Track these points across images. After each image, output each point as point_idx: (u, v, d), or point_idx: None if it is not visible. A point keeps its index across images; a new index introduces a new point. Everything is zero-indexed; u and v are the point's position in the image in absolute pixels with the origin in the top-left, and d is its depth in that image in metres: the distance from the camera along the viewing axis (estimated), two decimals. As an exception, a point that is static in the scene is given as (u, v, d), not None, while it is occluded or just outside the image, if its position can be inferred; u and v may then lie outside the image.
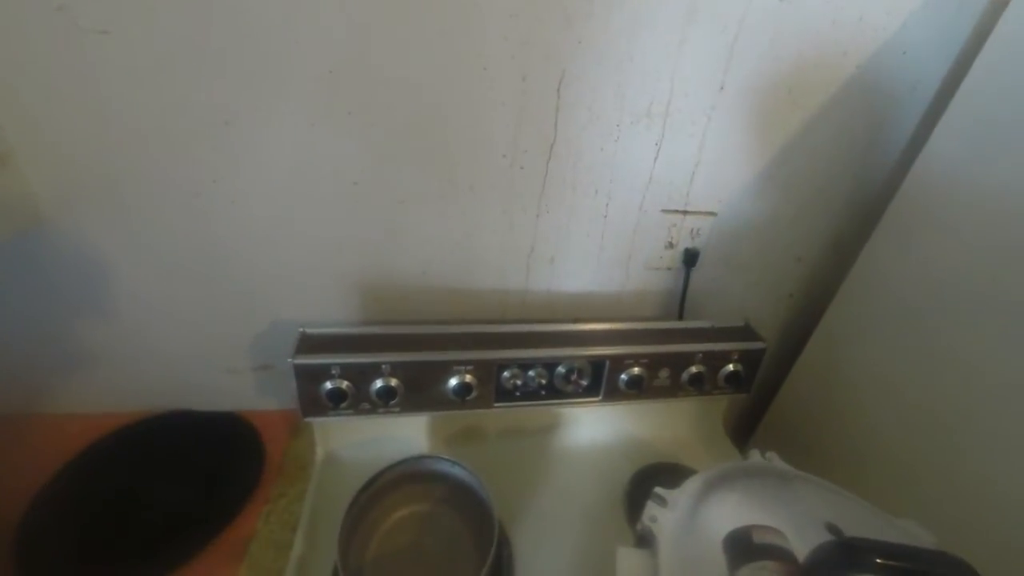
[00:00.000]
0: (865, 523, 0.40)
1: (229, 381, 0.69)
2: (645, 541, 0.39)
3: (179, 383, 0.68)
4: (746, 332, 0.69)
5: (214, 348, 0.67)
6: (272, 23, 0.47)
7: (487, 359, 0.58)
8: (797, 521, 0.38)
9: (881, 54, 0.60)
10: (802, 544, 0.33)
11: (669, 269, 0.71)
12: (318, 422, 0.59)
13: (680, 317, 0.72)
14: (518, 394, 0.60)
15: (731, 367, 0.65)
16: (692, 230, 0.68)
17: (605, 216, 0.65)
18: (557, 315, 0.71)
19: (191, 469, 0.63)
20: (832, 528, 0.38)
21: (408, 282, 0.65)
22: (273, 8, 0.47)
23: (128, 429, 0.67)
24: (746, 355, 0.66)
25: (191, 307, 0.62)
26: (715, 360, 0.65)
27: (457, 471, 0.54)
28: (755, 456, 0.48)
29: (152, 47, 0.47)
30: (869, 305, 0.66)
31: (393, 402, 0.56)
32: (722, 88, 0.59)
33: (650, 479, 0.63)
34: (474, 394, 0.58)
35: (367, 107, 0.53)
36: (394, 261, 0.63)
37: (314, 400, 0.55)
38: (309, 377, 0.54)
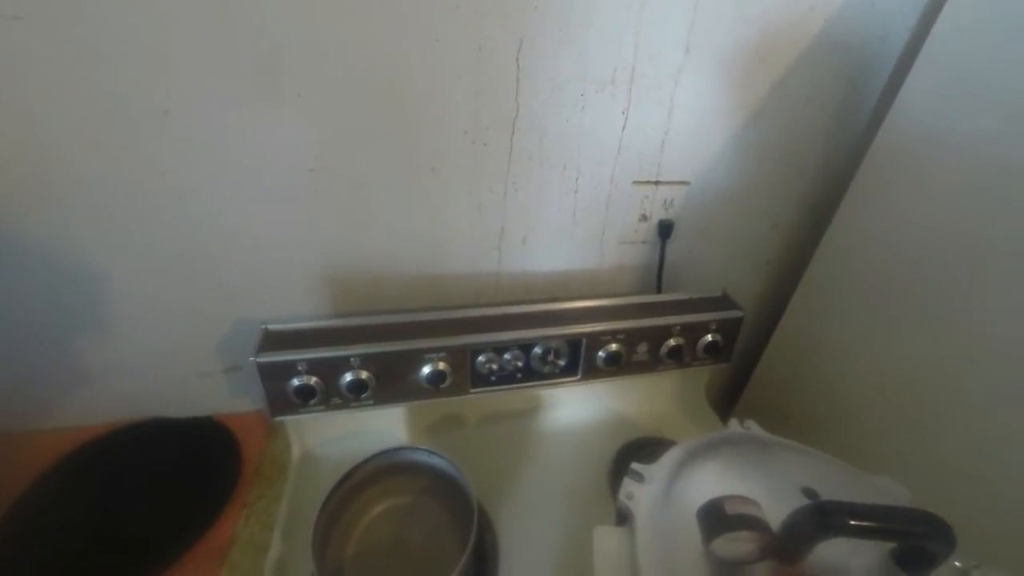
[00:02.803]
0: (842, 484, 0.39)
1: (201, 385, 0.67)
2: (623, 519, 0.38)
3: (150, 391, 0.66)
4: (724, 301, 0.68)
5: (181, 353, 0.64)
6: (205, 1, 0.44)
7: (460, 345, 0.56)
8: (775, 488, 0.37)
9: (849, 7, 0.59)
10: (781, 510, 0.32)
11: (644, 242, 0.69)
12: (290, 420, 0.57)
13: (658, 290, 0.71)
14: (494, 379, 0.58)
15: (709, 337, 0.64)
16: (665, 201, 0.66)
17: (575, 191, 0.63)
18: (533, 296, 0.70)
19: (167, 477, 0.62)
20: (809, 492, 0.37)
21: (376, 271, 0.63)
22: None
23: (99, 441, 0.64)
24: (724, 324, 0.65)
25: (153, 311, 0.60)
26: (693, 331, 0.64)
27: (435, 461, 0.53)
28: (734, 425, 0.47)
29: (71, 33, 0.43)
30: (846, 267, 0.65)
31: (365, 395, 0.54)
32: (687, 50, 0.57)
33: (634, 455, 0.63)
34: (449, 381, 0.56)
35: (316, 88, 0.50)
36: (359, 250, 0.61)
37: (282, 398, 0.53)
38: (275, 375, 0.52)
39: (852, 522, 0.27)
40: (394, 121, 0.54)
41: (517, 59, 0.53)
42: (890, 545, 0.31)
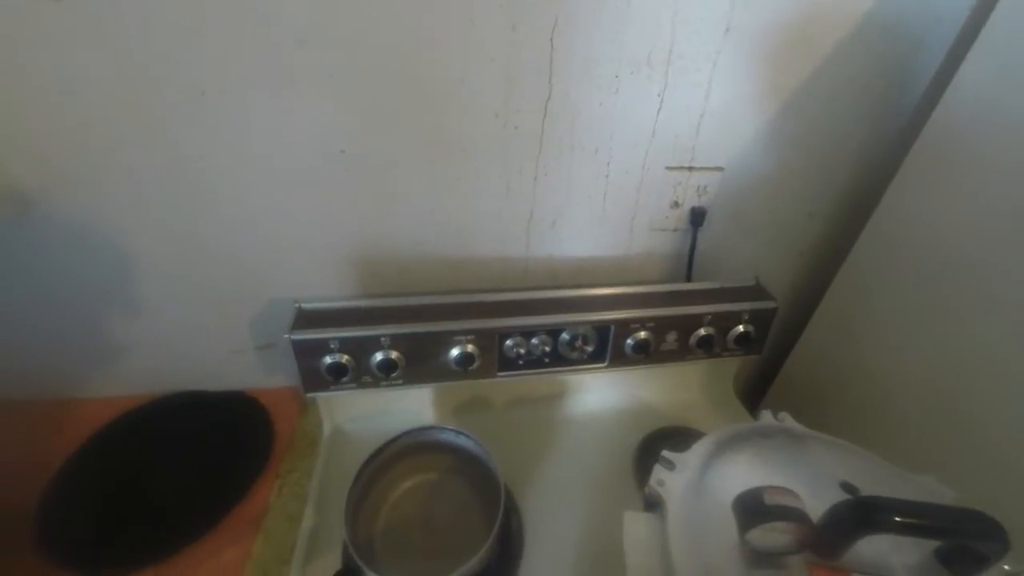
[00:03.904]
0: (883, 481, 0.38)
1: (234, 361, 0.69)
2: (653, 505, 0.38)
3: (187, 366, 0.69)
4: (756, 291, 0.66)
5: (216, 330, 0.66)
6: None
7: (488, 328, 0.56)
8: (811, 481, 0.36)
9: (902, -14, 0.55)
10: (817, 505, 0.31)
11: (675, 230, 0.68)
12: (322, 397, 0.59)
13: (688, 279, 0.69)
14: (521, 363, 0.59)
15: (741, 328, 0.63)
16: (698, 187, 0.65)
17: (606, 176, 0.62)
18: (560, 282, 0.69)
19: (203, 447, 0.64)
20: (848, 487, 0.36)
21: (404, 253, 0.63)
22: None
23: (139, 410, 0.68)
24: (756, 315, 0.63)
25: (188, 290, 0.62)
26: (724, 321, 0.63)
27: (463, 441, 0.54)
28: (766, 417, 0.46)
29: (110, 14, 0.44)
30: (890, 255, 0.63)
31: (395, 374, 0.55)
32: (728, 30, 0.55)
33: (660, 444, 0.62)
34: (476, 364, 0.57)
35: (348, 69, 0.50)
36: (389, 232, 0.62)
37: (315, 375, 0.54)
38: (308, 352, 0.53)
39: (897, 519, 0.27)
40: (425, 103, 0.53)
41: (551, 39, 0.52)
42: (934, 544, 0.30)
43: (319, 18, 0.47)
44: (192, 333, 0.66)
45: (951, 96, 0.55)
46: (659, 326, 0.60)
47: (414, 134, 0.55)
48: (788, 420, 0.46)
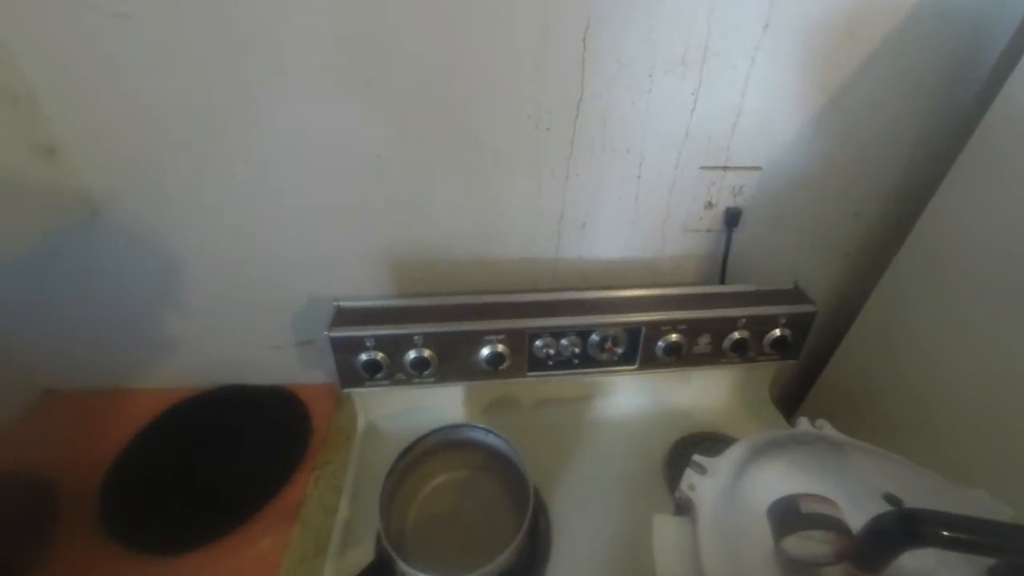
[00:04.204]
0: (930, 494, 0.36)
1: (275, 357, 0.73)
2: (683, 509, 0.38)
3: (233, 360, 0.72)
4: (795, 295, 0.64)
5: (259, 326, 0.70)
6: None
7: (518, 328, 0.57)
8: (851, 491, 0.35)
9: (960, -31, 0.52)
10: (858, 515, 0.30)
11: (709, 231, 0.67)
12: (356, 393, 0.61)
13: (722, 281, 0.68)
14: (551, 363, 0.59)
15: (778, 332, 0.61)
16: (734, 187, 0.63)
17: (639, 176, 0.62)
18: (590, 283, 0.69)
19: (245, 438, 0.68)
20: (891, 498, 0.35)
21: (436, 254, 0.65)
22: None
23: (189, 402, 0.72)
24: (794, 319, 0.61)
25: (236, 287, 0.65)
26: (760, 325, 0.61)
27: (492, 439, 0.54)
28: (804, 424, 0.45)
29: (171, 28, 0.47)
30: (940, 259, 0.59)
31: (427, 372, 0.57)
32: (767, 26, 0.53)
33: (691, 449, 0.61)
34: (507, 364, 0.57)
35: (386, 75, 0.52)
36: (422, 233, 0.63)
37: (351, 371, 0.56)
38: (345, 349, 0.55)
39: (947, 533, 0.25)
40: (458, 106, 0.54)
41: (584, 40, 0.52)
42: (988, 562, 0.28)
43: (358, 27, 0.49)
44: (237, 329, 0.69)
45: (1012, 88, 0.51)
46: (691, 329, 0.59)
47: (447, 136, 0.56)
48: (827, 427, 0.44)
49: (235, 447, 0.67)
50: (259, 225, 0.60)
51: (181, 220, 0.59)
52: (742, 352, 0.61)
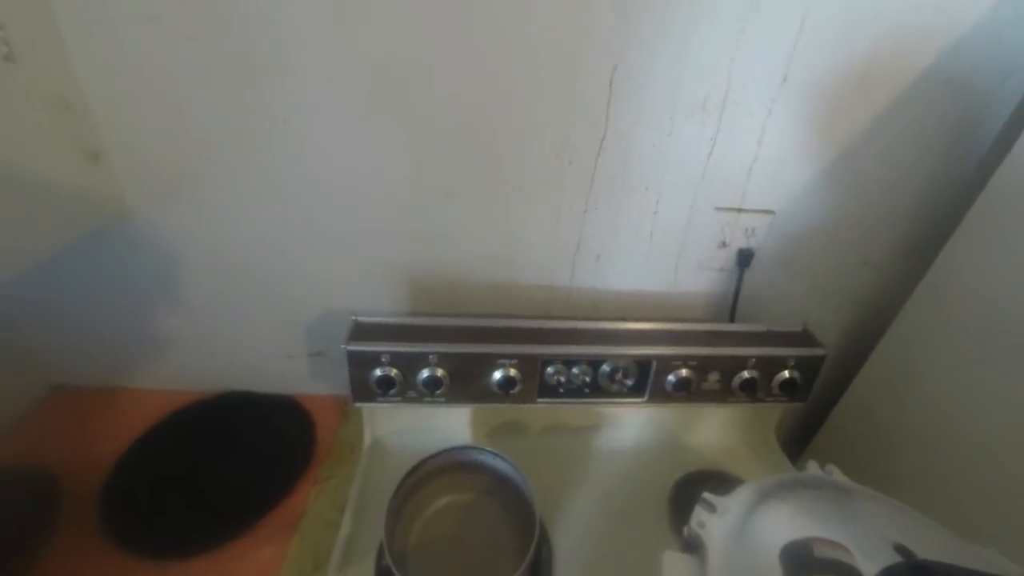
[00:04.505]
0: (940, 547, 0.36)
1: (286, 366, 0.73)
2: (692, 547, 0.38)
3: (242, 366, 0.73)
4: (804, 337, 0.65)
5: (273, 334, 0.71)
6: (327, 22, 0.49)
7: (531, 354, 0.58)
8: (861, 539, 0.35)
9: (967, 41, 0.55)
10: (868, 564, 0.30)
11: (721, 270, 0.68)
12: (367, 408, 0.61)
13: (732, 319, 0.69)
14: (561, 391, 0.59)
15: (787, 374, 0.62)
16: (747, 229, 0.65)
17: (655, 213, 0.64)
18: (602, 314, 0.70)
19: (250, 446, 0.68)
20: (902, 550, 0.35)
21: (455, 275, 0.66)
22: (327, 9, 0.49)
23: (196, 406, 0.72)
24: (803, 362, 0.62)
25: (253, 295, 0.67)
26: (770, 366, 0.62)
27: (499, 464, 0.55)
28: (813, 468, 0.45)
29: (218, 50, 0.50)
30: (948, 311, 0.61)
31: (439, 392, 0.57)
32: (784, 80, 0.56)
33: (697, 485, 0.61)
34: (518, 388, 0.58)
35: (419, 105, 0.54)
36: (441, 254, 0.65)
37: (364, 386, 0.57)
38: (360, 363, 0.56)
39: (960, 585, 0.26)
40: (488, 136, 0.57)
41: (611, 83, 0.55)
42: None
43: (396, 59, 0.52)
44: (250, 336, 0.70)
45: (1015, 159, 0.54)
46: (701, 365, 0.60)
47: (475, 164, 0.59)
48: (836, 473, 0.44)
49: (239, 454, 0.67)
50: (282, 238, 0.62)
51: (205, 228, 0.61)
52: (751, 392, 0.62)
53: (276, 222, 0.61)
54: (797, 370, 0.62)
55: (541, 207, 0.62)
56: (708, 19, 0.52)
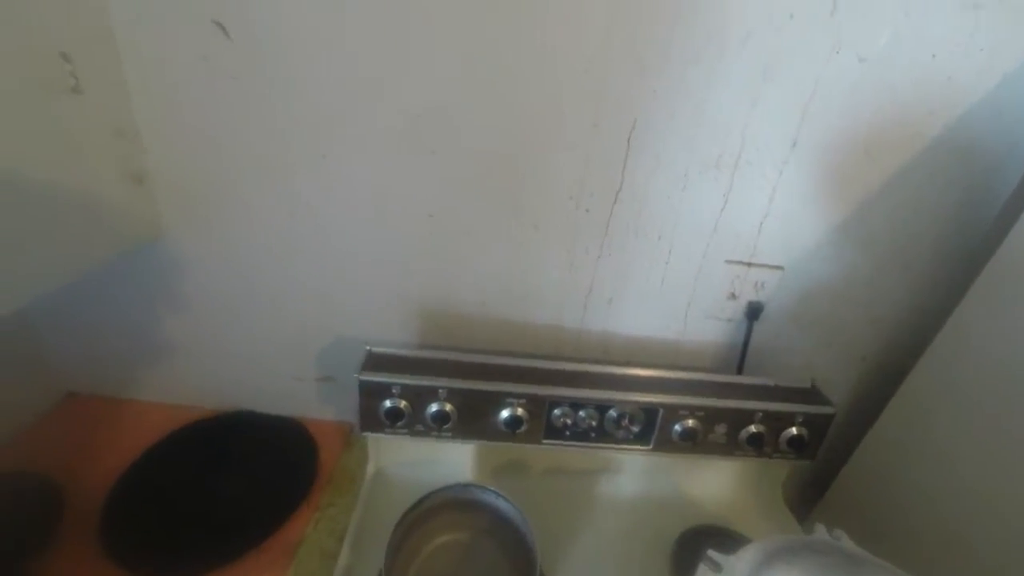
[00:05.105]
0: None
1: (294, 388, 0.74)
2: (696, 606, 0.37)
3: (250, 385, 0.74)
4: (812, 394, 0.65)
5: (284, 356, 0.72)
6: (371, 72, 0.53)
7: (539, 395, 0.58)
8: (868, 611, 0.35)
9: (972, 114, 0.58)
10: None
11: (730, 320, 0.69)
12: (373, 437, 0.61)
13: (739, 371, 0.69)
14: (567, 433, 0.60)
15: (794, 430, 0.61)
16: (757, 283, 0.66)
17: (667, 262, 0.65)
18: (611, 356, 0.71)
19: (252, 468, 0.68)
20: (910, 624, 0.34)
21: (468, 311, 0.68)
22: (371, 60, 0.53)
23: (202, 423, 0.73)
24: (812, 419, 0.62)
25: (267, 316, 0.69)
26: (777, 421, 0.61)
27: (501, 504, 0.54)
28: (821, 532, 0.44)
29: (269, 91, 0.54)
30: (959, 373, 0.60)
31: (446, 427, 0.58)
32: (795, 144, 0.59)
33: (700, 541, 0.60)
34: (524, 428, 0.58)
35: (448, 148, 0.57)
36: (456, 290, 0.66)
37: (373, 416, 0.58)
38: (371, 393, 0.57)
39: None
40: (510, 181, 0.60)
41: (628, 138, 0.58)
42: None
43: (431, 106, 0.55)
44: (262, 357, 0.72)
45: (1022, 228, 0.55)
46: (709, 416, 0.60)
47: (495, 206, 0.61)
48: (845, 539, 0.44)
49: (240, 476, 0.67)
50: (302, 263, 0.64)
51: (228, 252, 0.64)
52: (757, 446, 0.61)
53: (298, 249, 0.64)
54: (805, 427, 0.62)
55: (556, 249, 0.64)
56: (724, 84, 0.55)
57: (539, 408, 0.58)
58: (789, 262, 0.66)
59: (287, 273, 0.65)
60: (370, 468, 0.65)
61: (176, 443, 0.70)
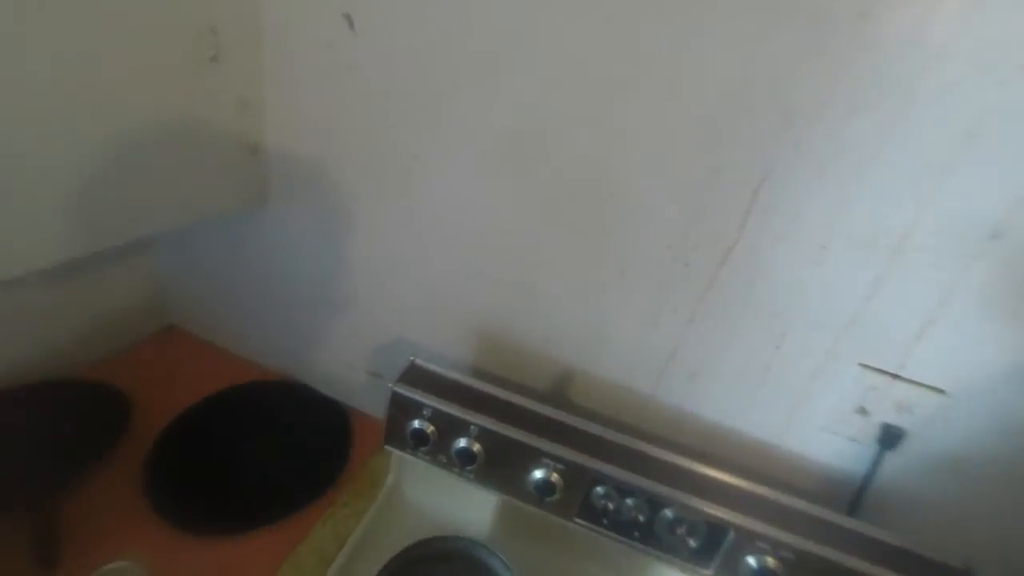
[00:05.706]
0: None
1: (347, 375, 0.76)
2: None
3: (309, 357, 0.78)
4: (962, 578, 0.46)
5: (344, 342, 0.74)
6: (479, 85, 0.52)
7: (582, 464, 0.49)
8: None
9: None
10: None
11: (853, 441, 0.53)
12: (396, 454, 0.58)
13: (851, 512, 0.53)
14: (606, 520, 0.49)
15: (921, 623, 0.44)
16: (901, 402, 0.50)
17: (777, 346, 0.53)
18: (682, 440, 0.59)
19: (290, 442, 0.71)
20: None
21: (529, 343, 0.62)
22: (478, 70, 0.52)
23: (258, 384, 0.77)
24: (954, 616, 0.44)
25: (338, 300, 0.71)
26: (899, 601, 0.44)
27: (507, 579, 0.46)
28: None
29: (379, 83, 0.56)
30: None
31: (469, 467, 0.52)
32: (995, 236, 0.44)
33: None
34: (556, 497, 0.50)
35: (539, 169, 0.54)
36: (521, 318, 0.62)
37: (399, 432, 0.54)
38: (402, 408, 0.53)
39: None
40: (600, 214, 0.54)
41: (756, 191, 0.48)
42: None
43: (530, 125, 0.52)
44: (330, 336, 0.75)
45: None
46: (798, 561, 0.45)
47: (579, 239, 0.56)
48: None
49: (275, 448, 0.70)
50: (376, 257, 0.66)
51: (319, 229, 0.67)
52: (860, 625, 0.45)
53: (374, 241, 0.65)
54: (940, 624, 0.44)
55: (640, 301, 0.56)
56: (904, 143, 0.43)
57: (579, 479, 0.49)
58: (957, 387, 0.49)
59: (363, 263, 0.67)
60: (389, 480, 0.61)
61: (230, 397, 0.74)
